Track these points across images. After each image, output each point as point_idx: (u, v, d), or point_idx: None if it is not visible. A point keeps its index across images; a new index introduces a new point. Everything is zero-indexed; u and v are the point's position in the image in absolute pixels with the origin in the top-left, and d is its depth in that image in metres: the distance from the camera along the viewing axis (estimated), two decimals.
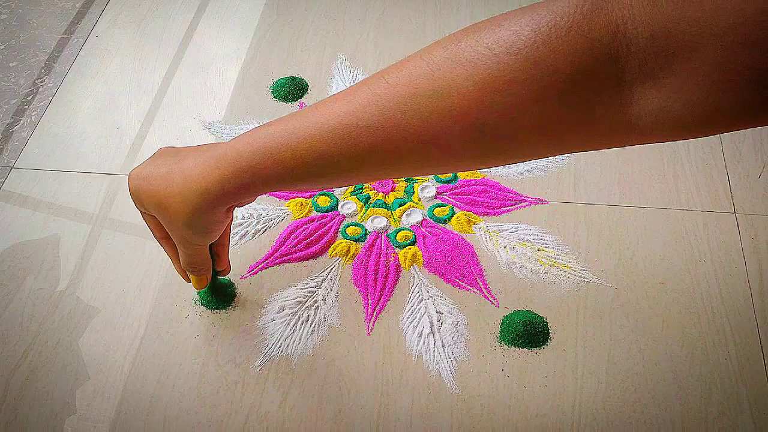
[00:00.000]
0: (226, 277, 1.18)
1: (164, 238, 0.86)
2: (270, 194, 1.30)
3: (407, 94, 0.58)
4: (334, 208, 1.29)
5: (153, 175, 0.74)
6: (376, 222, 1.26)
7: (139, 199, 0.80)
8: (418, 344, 1.11)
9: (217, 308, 1.15)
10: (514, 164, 1.33)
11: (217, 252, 0.94)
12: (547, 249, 1.21)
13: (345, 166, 0.61)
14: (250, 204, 1.30)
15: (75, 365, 1.10)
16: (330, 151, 0.60)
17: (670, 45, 0.44)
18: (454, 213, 1.27)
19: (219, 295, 1.15)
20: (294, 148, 0.62)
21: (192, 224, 0.71)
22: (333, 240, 1.24)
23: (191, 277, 0.91)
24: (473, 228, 1.25)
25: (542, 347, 1.10)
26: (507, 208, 1.27)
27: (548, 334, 1.11)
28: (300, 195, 1.30)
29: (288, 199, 1.30)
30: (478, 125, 0.53)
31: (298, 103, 1.46)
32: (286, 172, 0.64)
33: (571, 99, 0.49)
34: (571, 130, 0.51)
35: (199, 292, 1.16)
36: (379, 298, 1.16)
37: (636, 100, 0.47)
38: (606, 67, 0.47)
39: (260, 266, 1.21)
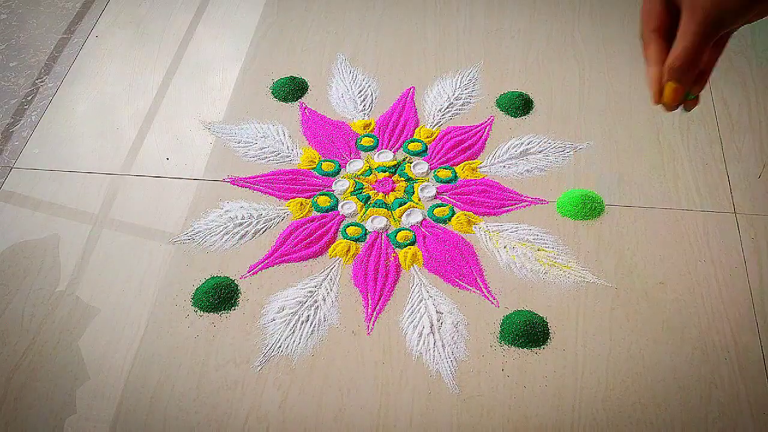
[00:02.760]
0: (226, 276, 1.18)
1: (657, 30, 0.67)
2: (268, 193, 1.30)
3: None
4: (334, 208, 1.29)
5: None
6: (376, 222, 1.26)
7: None
8: (418, 344, 1.11)
9: (217, 309, 1.15)
10: (514, 164, 1.33)
11: (708, 63, 0.73)
12: (547, 249, 1.21)
13: None
14: (250, 204, 1.30)
15: (75, 365, 1.10)
16: None
17: None
18: (454, 213, 1.27)
19: (219, 294, 1.16)
20: None
21: None
22: (333, 240, 1.24)
23: (667, 88, 0.68)
24: (473, 228, 1.25)
25: (542, 347, 1.10)
26: (507, 208, 1.27)
27: (548, 334, 1.11)
28: (300, 195, 1.30)
29: (288, 199, 1.30)
30: None
31: (298, 103, 1.46)
32: None
33: None
34: None
35: (197, 291, 1.16)
36: (379, 298, 1.16)
37: None
38: None
39: (260, 266, 1.21)
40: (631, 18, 1.60)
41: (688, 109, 0.67)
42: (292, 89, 1.47)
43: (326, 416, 1.03)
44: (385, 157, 1.35)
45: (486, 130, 1.39)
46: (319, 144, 1.38)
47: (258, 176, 1.33)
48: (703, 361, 1.07)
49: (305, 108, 1.45)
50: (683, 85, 0.64)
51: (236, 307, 1.15)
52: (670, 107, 0.66)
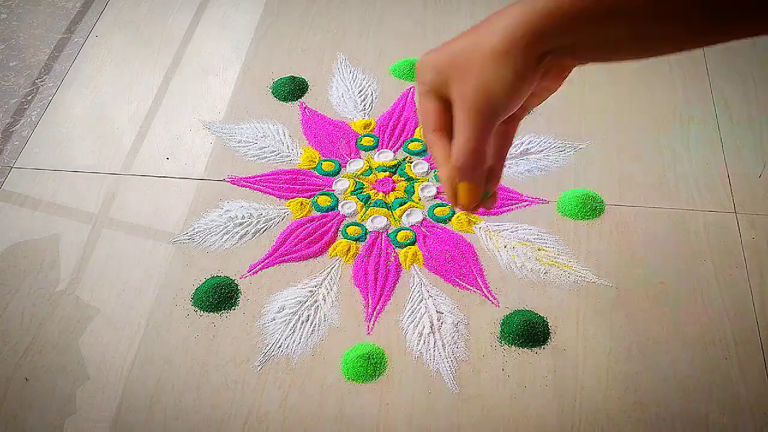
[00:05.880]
0: (226, 276, 1.18)
1: (438, 131, 0.65)
2: (268, 193, 1.30)
3: None
4: (334, 207, 1.29)
5: (451, 40, 0.63)
6: (376, 222, 1.26)
7: (428, 65, 0.61)
8: (418, 344, 1.11)
9: (217, 308, 1.15)
10: (514, 164, 1.33)
11: (497, 156, 0.69)
12: (547, 249, 1.21)
13: None
14: (250, 204, 1.31)
15: (75, 365, 1.10)
16: None
17: None
18: (454, 213, 1.27)
19: (219, 294, 1.16)
20: None
21: (500, 59, 0.58)
22: (333, 239, 1.24)
23: (460, 189, 0.65)
24: (473, 228, 1.25)
25: (542, 347, 1.10)
26: (507, 208, 1.27)
27: (548, 334, 1.11)
28: (300, 195, 1.30)
29: (288, 199, 1.30)
30: None
31: (299, 103, 1.46)
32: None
33: None
34: None
35: (197, 291, 1.16)
36: (380, 298, 1.16)
37: None
38: None
39: (260, 266, 1.21)
40: None
41: (487, 207, 0.62)
42: (292, 89, 1.47)
43: (326, 416, 1.03)
44: (385, 157, 1.35)
45: None
46: (319, 144, 1.38)
47: (258, 176, 1.33)
48: (703, 361, 1.07)
49: (305, 108, 1.45)
50: (476, 183, 0.60)
51: (236, 307, 1.15)
52: (469, 208, 0.60)
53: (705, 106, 1.41)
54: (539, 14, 0.54)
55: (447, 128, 0.60)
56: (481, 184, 0.61)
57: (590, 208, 1.25)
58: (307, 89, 1.48)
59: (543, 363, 1.08)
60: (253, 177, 1.33)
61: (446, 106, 0.58)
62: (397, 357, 1.09)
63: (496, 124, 0.58)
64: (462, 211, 0.58)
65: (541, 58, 0.57)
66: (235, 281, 1.18)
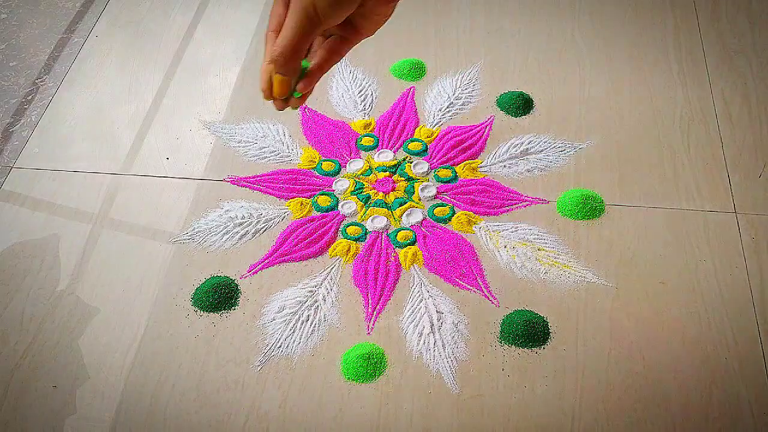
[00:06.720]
0: (226, 276, 1.18)
1: (275, 31, 0.75)
2: (268, 193, 1.30)
3: None
4: (334, 208, 1.29)
5: None
6: (376, 222, 1.26)
7: None
8: (418, 344, 1.11)
9: (217, 308, 1.15)
10: (514, 164, 1.33)
11: (319, 66, 0.81)
12: (547, 249, 1.21)
13: None
14: (250, 204, 1.30)
15: (75, 365, 1.10)
16: None
17: None
18: (454, 213, 1.27)
19: (219, 294, 1.16)
20: None
21: None
22: (333, 239, 1.24)
23: (274, 80, 0.76)
24: (473, 228, 1.25)
25: (542, 347, 1.10)
26: (507, 208, 1.27)
27: (548, 334, 1.11)
28: (300, 195, 1.30)
29: (288, 199, 1.30)
30: None
31: None
32: None
33: None
34: None
35: (197, 291, 1.16)
36: (379, 298, 1.16)
37: None
38: None
39: (260, 266, 1.21)
40: (631, 18, 1.60)
41: (293, 106, 0.71)
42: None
43: (326, 416, 1.03)
44: (385, 157, 1.35)
45: (486, 129, 1.39)
46: (319, 144, 1.38)
47: (258, 176, 1.33)
48: (703, 361, 1.07)
49: (305, 107, 1.45)
50: (287, 76, 0.70)
51: (236, 307, 1.15)
52: (279, 99, 0.70)
53: (705, 106, 1.41)
54: None
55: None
56: (292, 76, 0.72)
57: (590, 208, 1.25)
58: None
59: (543, 363, 1.08)
60: (253, 177, 1.33)
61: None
62: (397, 357, 1.09)
63: (319, 29, 0.66)
64: (274, 103, 0.72)
65: None
66: (235, 281, 1.18)
